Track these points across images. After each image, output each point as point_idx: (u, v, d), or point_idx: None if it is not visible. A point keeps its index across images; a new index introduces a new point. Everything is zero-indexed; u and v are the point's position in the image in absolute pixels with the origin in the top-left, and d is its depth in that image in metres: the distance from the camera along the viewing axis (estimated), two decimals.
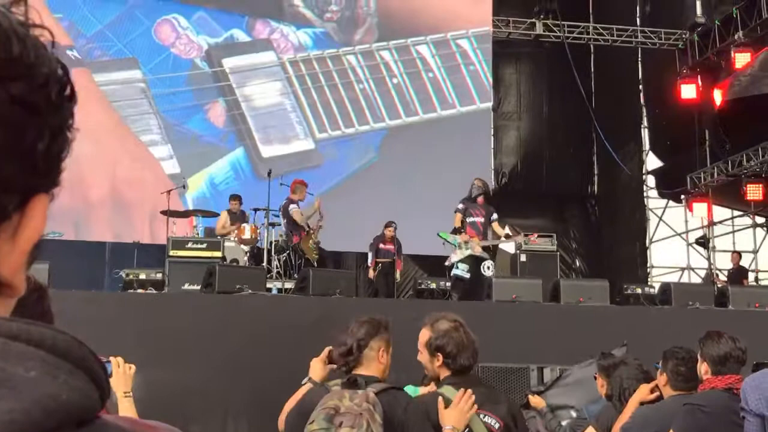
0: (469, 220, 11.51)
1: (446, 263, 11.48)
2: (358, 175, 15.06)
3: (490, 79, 14.10)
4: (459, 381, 3.34)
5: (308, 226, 11.32)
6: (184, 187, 12.27)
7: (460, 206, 11.65)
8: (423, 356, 3.46)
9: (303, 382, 3.62)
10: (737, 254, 14.98)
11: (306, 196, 11.23)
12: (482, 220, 11.56)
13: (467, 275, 11.12)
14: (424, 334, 3.45)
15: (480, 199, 11.65)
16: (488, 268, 11.22)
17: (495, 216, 11.73)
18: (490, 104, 13.76)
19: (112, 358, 3.63)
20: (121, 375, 3.60)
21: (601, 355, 5.03)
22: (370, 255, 12.55)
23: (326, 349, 3.67)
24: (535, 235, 11.88)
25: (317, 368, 3.70)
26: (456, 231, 11.55)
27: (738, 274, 14.47)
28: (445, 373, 3.39)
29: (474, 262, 11.25)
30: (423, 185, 16.12)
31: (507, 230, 12.14)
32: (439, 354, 3.37)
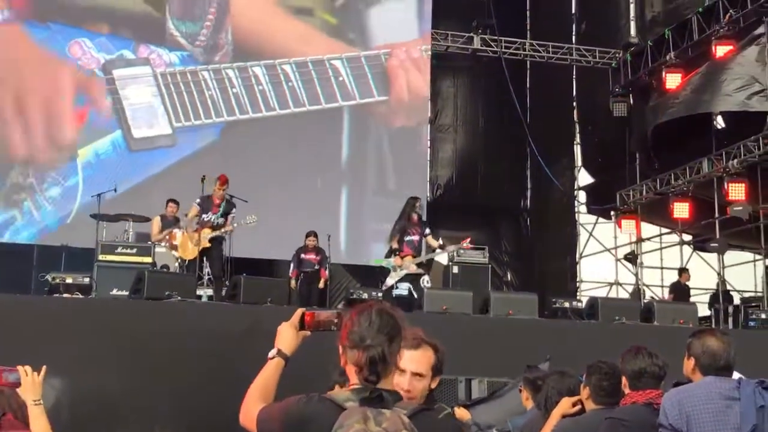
0: (406, 238, 11.73)
1: (383, 287, 11.59)
2: (293, 186, 15.26)
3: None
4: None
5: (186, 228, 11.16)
6: (114, 190, 12.10)
7: (397, 227, 11.80)
8: (424, 381, 2.99)
9: (270, 355, 2.81)
10: (687, 271, 15.17)
11: (222, 192, 11.05)
12: (418, 238, 11.76)
13: (406, 293, 11.31)
14: (428, 356, 3.03)
15: (414, 218, 11.78)
16: (428, 281, 11.52)
17: (428, 230, 11.95)
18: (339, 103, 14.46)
19: (20, 367, 3.56)
20: (30, 383, 3.54)
21: (527, 368, 5.09)
22: (291, 265, 12.58)
23: (298, 311, 2.88)
24: (468, 240, 11.98)
25: (288, 337, 2.84)
26: (391, 251, 11.72)
27: (684, 291, 14.59)
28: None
29: (412, 278, 11.46)
30: (358, 195, 16.17)
31: (440, 241, 12.26)
32: (438, 376, 3.02)
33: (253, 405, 2.70)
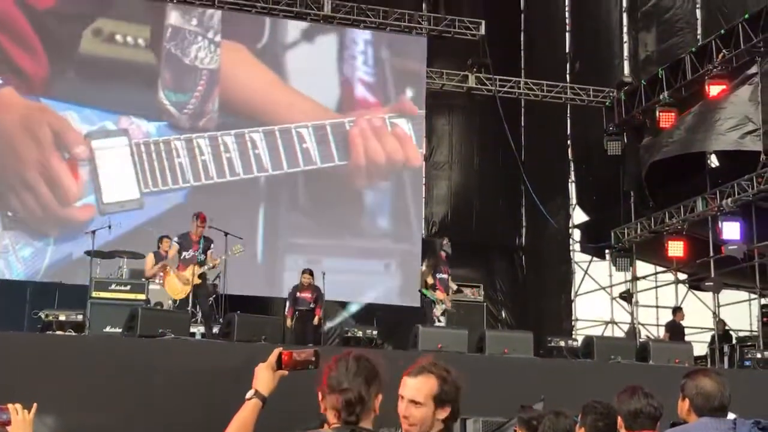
0: (438, 276, 12.14)
1: (433, 316, 12.19)
2: (288, 226, 15.48)
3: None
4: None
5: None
6: (109, 227, 12.09)
7: (430, 262, 12.29)
8: (422, 409, 2.87)
9: (248, 396, 2.83)
10: (681, 312, 15.12)
11: (201, 230, 11.06)
12: (447, 276, 12.35)
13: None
14: (429, 384, 2.88)
15: (443, 255, 12.15)
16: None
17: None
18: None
19: (9, 405, 3.52)
20: (20, 422, 3.50)
21: (522, 408, 5.06)
22: (287, 304, 12.55)
23: (276, 351, 2.87)
24: (455, 287, 12.51)
25: (265, 378, 2.85)
26: (428, 286, 12.07)
27: (680, 330, 14.53)
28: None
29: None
30: (354, 233, 16.18)
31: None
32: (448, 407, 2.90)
33: None
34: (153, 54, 13.86)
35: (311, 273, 12.63)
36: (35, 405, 3.54)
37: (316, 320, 12.43)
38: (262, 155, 14.36)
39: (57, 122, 13.64)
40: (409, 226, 16.73)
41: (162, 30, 13.79)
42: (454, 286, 12.60)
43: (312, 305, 12.37)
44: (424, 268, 12.79)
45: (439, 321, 12.02)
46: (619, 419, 3.95)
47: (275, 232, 15.22)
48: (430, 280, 12.24)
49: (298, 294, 12.44)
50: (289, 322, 12.22)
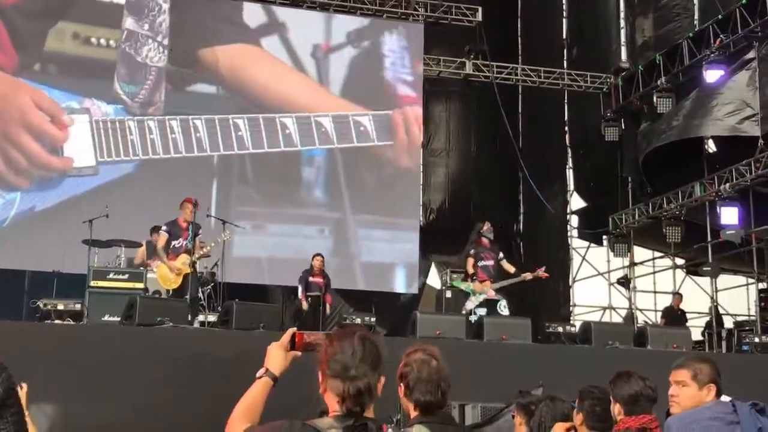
0: (480, 264, 11.87)
1: (463, 311, 11.69)
2: (286, 212, 15.82)
3: None
4: (429, 420, 2.96)
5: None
6: (107, 216, 12.07)
7: (472, 251, 11.86)
8: (400, 390, 3.03)
9: (258, 375, 2.77)
10: (679, 295, 15.15)
11: (189, 214, 10.97)
12: (492, 263, 11.91)
13: (482, 315, 11.40)
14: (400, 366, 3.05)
15: (485, 242, 11.85)
16: (504, 307, 11.78)
17: (502, 254, 12.12)
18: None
19: None
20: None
21: (520, 393, 5.06)
22: (300, 288, 12.45)
23: (289, 330, 2.83)
24: (543, 268, 12.00)
25: (277, 357, 2.80)
26: (467, 276, 11.76)
27: (676, 315, 14.56)
28: (413, 412, 3.02)
29: (489, 304, 11.64)
30: (352, 220, 16.19)
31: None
32: (401, 384, 3.02)
33: (237, 425, 2.64)
34: (111, 52, 15.66)
35: (323, 257, 12.63)
36: (25, 384, 3.56)
37: (329, 309, 12.42)
38: (204, 138, 15.79)
39: (36, 93, 15.06)
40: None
41: (120, 33, 15.71)
42: (511, 268, 12.03)
43: (323, 290, 12.36)
44: (464, 257, 12.23)
45: (474, 314, 11.50)
46: (617, 406, 3.95)
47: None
48: (470, 270, 11.87)
49: (309, 278, 12.43)
50: (305, 305, 12.18)
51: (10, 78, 14.98)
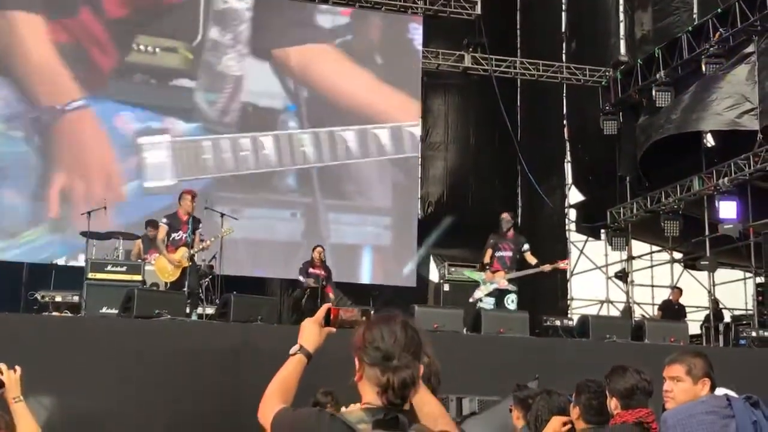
0: (497, 254, 11.69)
1: (470, 300, 11.58)
2: (283, 202, 15.87)
3: None
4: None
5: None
6: (105, 208, 12.08)
7: (491, 241, 11.76)
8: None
9: (292, 352, 2.63)
10: (678, 290, 15.13)
11: (189, 206, 10.89)
12: (510, 254, 11.70)
13: (491, 307, 11.32)
14: None
15: (510, 233, 11.73)
16: (512, 301, 11.52)
17: (527, 246, 11.84)
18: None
19: None
20: (7, 381, 3.53)
21: (517, 386, 5.07)
22: (302, 279, 12.45)
23: (324, 306, 2.70)
24: (566, 261, 11.78)
25: (312, 333, 2.67)
26: (484, 265, 11.66)
27: (674, 309, 14.54)
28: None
29: (498, 294, 11.50)
30: (350, 212, 16.21)
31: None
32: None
33: (271, 403, 2.53)
34: (191, 61, 16.03)
35: (323, 248, 12.62)
36: (18, 369, 3.57)
37: (333, 303, 12.38)
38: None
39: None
40: None
41: (201, 43, 16.08)
42: (532, 260, 11.64)
43: (324, 283, 12.35)
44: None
45: (481, 302, 11.41)
46: (614, 400, 3.95)
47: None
48: (486, 259, 11.68)
49: (310, 269, 12.43)
50: (311, 282, 12.22)
51: (89, 111, 15.19)
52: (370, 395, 2.35)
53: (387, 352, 2.33)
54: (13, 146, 14.79)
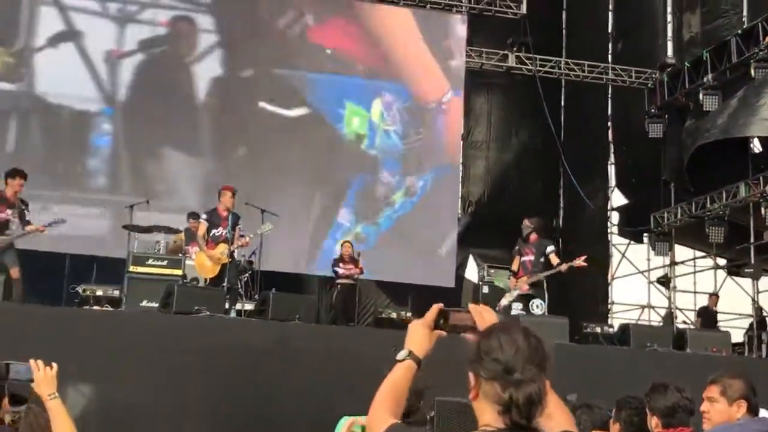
0: (522, 260, 11.65)
1: (496, 309, 11.49)
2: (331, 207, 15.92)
3: None
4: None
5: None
6: (147, 202, 12.16)
7: (516, 247, 11.77)
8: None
9: (399, 357, 2.37)
10: (716, 296, 14.95)
11: (228, 201, 10.88)
12: (532, 258, 11.58)
13: (521, 313, 11.23)
14: None
15: (532, 237, 11.63)
16: (537, 306, 11.38)
17: (551, 248, 11.72)
18: None
19: (31, 361, 3.55)
20: (43, 377, 3.53)
21: None
22: (339, 271, 12.51)
23: (434, 307, 2.46)
24: (583, 257, 11.60)
25: (420, 337, 2.42)
26: (513, 272, 11.69)
27: (711, 315, 14.37)
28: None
29: (524, 300, 11.40)
30: (390, 213, 16.19)
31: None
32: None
33: (380, 413, 2.28)
34: None
35: (352, 244, 12.62)
36: (54, 366, 3.56)
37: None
38: None
39: None
40: None
41: None
42: (555, 261, 11.39)
43: (355, 278, 12.36)
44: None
45: (511, 310, 11.30)
46: (654, 419, 3.88)
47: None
48: (514, 267, 11.67)
49: (340, 265, 12.45)
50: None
51: None
52: (489, 415, 2.06)
53: (508, 364, 2.04)
54: None
